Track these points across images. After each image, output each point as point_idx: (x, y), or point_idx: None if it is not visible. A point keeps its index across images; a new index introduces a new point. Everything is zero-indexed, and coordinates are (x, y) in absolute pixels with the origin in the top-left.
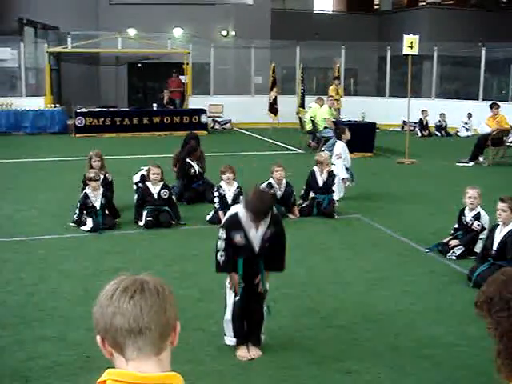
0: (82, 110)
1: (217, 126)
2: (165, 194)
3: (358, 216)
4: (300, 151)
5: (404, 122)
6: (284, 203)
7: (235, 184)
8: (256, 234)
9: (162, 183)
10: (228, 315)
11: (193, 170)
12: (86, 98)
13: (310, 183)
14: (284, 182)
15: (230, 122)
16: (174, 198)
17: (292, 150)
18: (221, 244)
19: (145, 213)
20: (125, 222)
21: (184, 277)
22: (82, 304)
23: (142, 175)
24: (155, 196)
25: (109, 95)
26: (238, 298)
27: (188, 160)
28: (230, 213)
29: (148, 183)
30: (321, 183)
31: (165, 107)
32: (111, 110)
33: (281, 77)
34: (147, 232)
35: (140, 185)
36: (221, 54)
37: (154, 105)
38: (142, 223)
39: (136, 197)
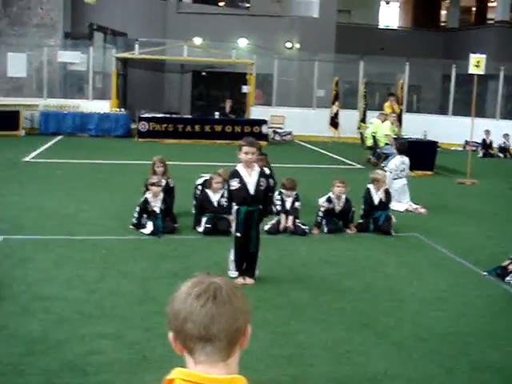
0: (146, 115)
1: (277, 138)
2: (224, 202)
3: (416, 235)
4: (360, 166)
5: (466, 141)
6: (342, 218)
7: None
8: (250, 180)
9: (222, 191)
10: (232, 256)
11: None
12: (150, 104)
13: (366, 201)
14: (343, 197)
15: (290, 133)
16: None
17: (351, 165)
18: (226, 193)
19: (204, 220)
20: (184, 227)
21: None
22: (141, 304)
23: (205, 180)
24: (215, 204)
25: (172, 102)
26: (238, 234)
27: None
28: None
29: (208, 191)
30: (376, 201)
31: (227, 116)
32: (174, 116)
33: (343, 91)
34: (205, 238)
35: (199, 189)
36: (284, 66)
37: (216, 113)
38: (200, 229)
39: (194, 203)
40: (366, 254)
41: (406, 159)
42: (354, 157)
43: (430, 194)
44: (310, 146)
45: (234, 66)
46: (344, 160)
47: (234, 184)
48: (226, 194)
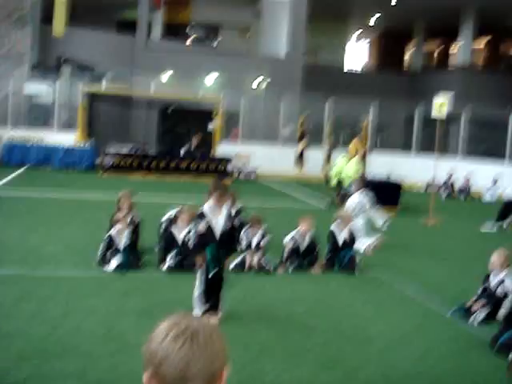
0: (111, 150)
1: (242, 176)
2: (189, 238)
3: (380, 274)
4: (323, 207)
5: (428, 184)
6: (306, 256)
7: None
8: (218, 222)
9: (188, 228)
10: (197, 292)
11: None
12: (117, 137)
13: (330, 242)
14: (308, 235)
15: (254, 172)
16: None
17: (315, 205)
18: (192, 235)
19: (169, 256)
20: (149, 264)
21: None
22: (105, 342)
23: (169, 219)
24: (180, 241)
25: (138, 136)
26: (210, 275)
27: None
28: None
29: (173, 228)
30: (341, 241)
31: (193, 153)
32: (138, 153)
33: (310, 129)
34: (170, 275)
35: (164, 226)
36: (251, 104)
37: (182, 150)
38: (165, 266)
39: (159, 246)
40: (331, 293)
41: (362, 197)
42: (319, 197)
43: (395, 233)
44: (274, 185)
45: (201, 104)
46: (308, 201)
47: (200, 227)
48: (191, 236)
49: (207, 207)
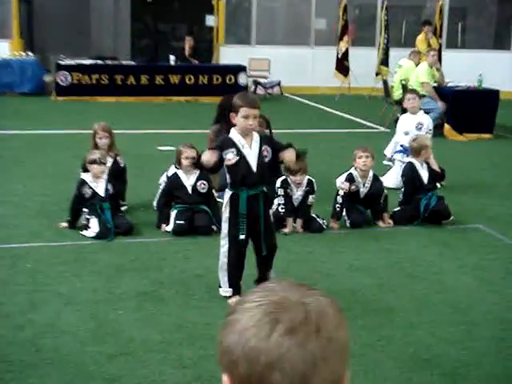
0: (67, 61)
1: (260, 91)
2: (203, 187)
3: (479, 226)
4: (384, 129)
5: None
6: (370, 205)
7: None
8: (250, 152)
9: (198, 172)
10: (224, 266)
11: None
12: (71, 46)
13: (409, 182)
14: (371, 174)
15: (278, 84)
16: (214, 193)
17: (372, 128)
18: (223, 169)
19: (174, 213)
20: (143, 225)
21: None
22: (95, 343)
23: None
24: (189, 190)
25: (104, 42)
26: (242, 236)
27: None
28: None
29: (179, 172)
30: (425, 178)
31: (187, 60)
32: (109, 63)
33: (353, 20)
34: (177, 241)
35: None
36: None
37: (172, 57)
38: (169, 228)
39: (160, 190)
40: (410, 255)
41: (425, 118)
42: (375, 116)
43: (492, 166)
44: (307, 101)
45: None
46: (360, 121)
47: (230, 157)
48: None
49: (234, 133)
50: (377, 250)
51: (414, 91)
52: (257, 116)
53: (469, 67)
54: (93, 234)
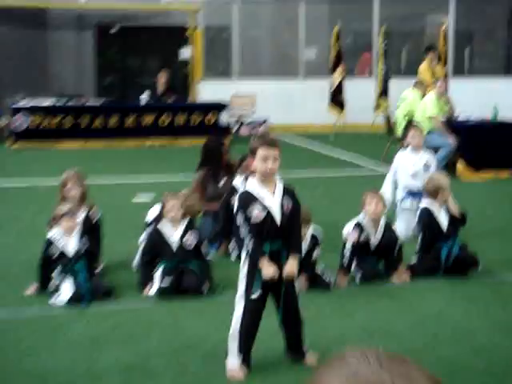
0: (23, 103)
1: (244, 130)
2: (190, 240)
3: (509, 277)
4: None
5: None
6: (382, 257)
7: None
8: (273, 202)
9: (185, 223)
10: (236, 331)
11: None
12: (28, 84)
13: (427, 229)
14: (382, 222)
15: (265, 122)
16: (204, 247)
17: (374, 170)
18: (243, 229)
19: (158, 273)
20: (124, 287)
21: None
22: None
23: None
24: (174, 245)
25: (65, 79)
26: (255, 296)
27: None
28: (238, 194)
29: (163, 223)
30: (444, 225)
31: (161, 99)
32: (72, 104)
33: (347, 48)
34: (164, 305)
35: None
36: (250, 13)
37: (143, 96)
38: (153, 290)
39: (142, 246)
40: (433, 313)
41: (431, 156)
42: (377, 155)
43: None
44: (298, 141)
45: (166, 16)
46: (360, 163)
47: (257, 214)
48: (244, 232)
49: (253, 182)
50: (394, 309)
51: (418, 126)
52: (277, 158)
53: (478, 96)
54: (65, 301)
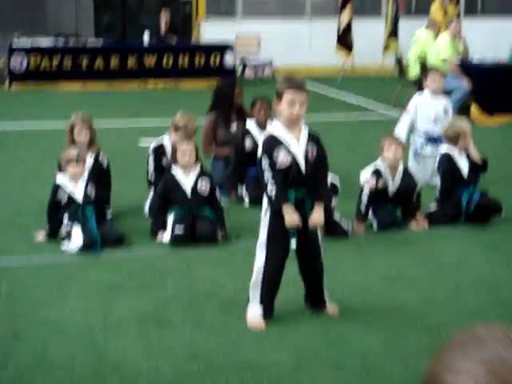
0: (21, 43)
1: (249, 72)
2: (204, 186)
3: None
4: (400, 115)
5: None
6: (400, 203)
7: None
8: (298, 149)
9: (197, 169)
10: (259, 278)
11: (248, 143)
12: (25, 22)
13: (447, 175)
14: (401, 167)
15: (270, 64)
16: (218, 193)
17: (385, 115)
18: (267, 174)
19: (171, 218)
20: (134, 234)
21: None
22: (96, 379)
23: (159, 147)
24: (188, 191)
25: (63, 17)
26: (294, 245)
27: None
28: (263, 137)
29: (175, 168)
30: (465, 171)
31: (163, 39)
32: (71, 44)
33: None
34: (177, 252)
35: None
36: None
37: (145, 35)
38: (166, 237)
39: (152, 191)
40: (455, 262)
41: (447, 101)
42: (388, 99)
43: None
44: (307, 84)
45: None
46: (370, 106)
47: (283, 159)
48: (267, 176)
49: (278, 126)
50: (414, 258)
51: (439, 70)
52: (304, 103)
53: (492, 37)
54: (76, 247)
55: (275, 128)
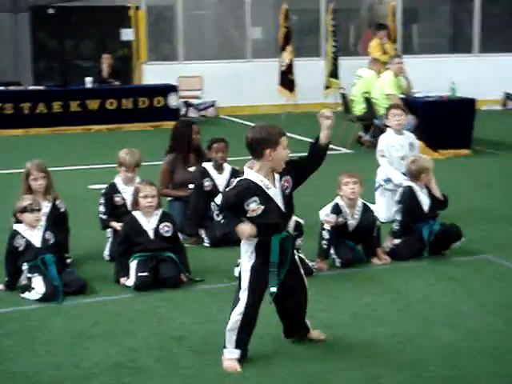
0: None
1: (192, 113)
2: (167, 229)
3: (487, 256)
4: (346, 151)
5: (507, 94)
6: (361, 239)
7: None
8: (276, 190)
9: (159, 212)
10: (236, 322)
11: (209, 183)
12: None
13: (408, 209)
14: (359, 203)
15: (213, 105)
16: (180, 236)
17: (334, 150)
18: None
19: (134, 264)
20: (97, 279)
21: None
22: None
23: (111, 185)
24: (150, 234)
25: (1, 66)
26: (272, 289)
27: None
28: (236, 181)
29: (136, 213)
30: (426, 206)
31: (106, 83)
32: (12, 88)
33: (296, 27)
34: (142, 297)
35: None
36: None
37: (88, 79)
38: (129, 282)
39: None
40: (420, 296)
41: (412, 136)
42: (333, 136)
43: (480, 187)
44: (248, 123)
45: None
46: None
47: (254, 207)
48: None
49: (251, 172)
50: (379, 293)
51: (399, 106)
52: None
53: (428, 74)
54: (38, 297)
55: (250, 173)
